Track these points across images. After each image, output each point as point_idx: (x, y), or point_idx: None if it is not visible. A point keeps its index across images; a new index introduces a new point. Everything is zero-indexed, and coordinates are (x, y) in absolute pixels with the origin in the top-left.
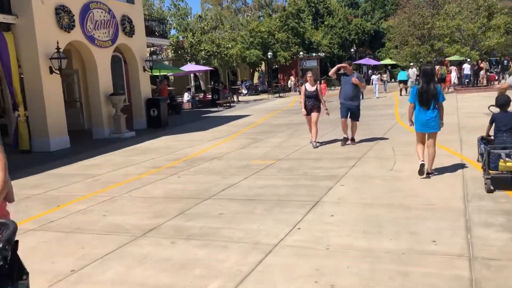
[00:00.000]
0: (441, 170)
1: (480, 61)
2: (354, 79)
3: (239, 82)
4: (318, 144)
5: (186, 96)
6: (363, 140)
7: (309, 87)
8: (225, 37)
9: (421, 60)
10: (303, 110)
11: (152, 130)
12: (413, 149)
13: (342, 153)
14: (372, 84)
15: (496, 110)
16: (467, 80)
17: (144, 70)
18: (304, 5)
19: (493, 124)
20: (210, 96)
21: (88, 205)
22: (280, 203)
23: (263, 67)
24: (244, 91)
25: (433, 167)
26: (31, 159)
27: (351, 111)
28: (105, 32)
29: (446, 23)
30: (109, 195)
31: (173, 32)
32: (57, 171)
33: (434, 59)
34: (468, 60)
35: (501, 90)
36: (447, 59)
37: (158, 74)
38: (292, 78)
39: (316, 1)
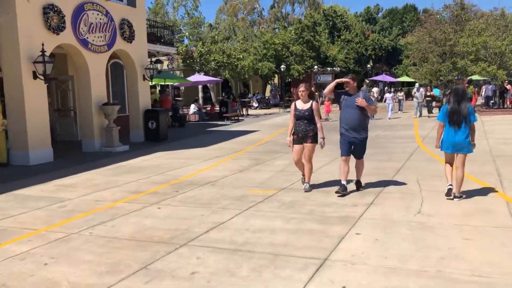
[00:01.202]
0: (482, 217)
1: (506, 81)
2: (360, 100)
3: (250, 95)
4: (310, 187)
5: (193, 108)
6: (379, 169)
7: (300, 104)
8: (236, 47)
9: (441, 78)
10: (288, 138)
11: (148, 144)
12: (442, 184)
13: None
14: (385, 102)
15: None
16: (492, 102)
17: (144, 78)
18: (321, 19)
19: None
20: (218, 108)
21: (33, 246)
22: (274, 259)
23: (276, 80)
24: (255, 104)
25: (470, 214)
26: (3, 173)
27: (355, 146)
28: (101, 36)
29: (471, 40)
30: (66, 230)
31: (186, 41)
32: (24, 192)
33: (456, 77)
34: (490, 80)
35: None
36: (467, 78)
37: (163, 83)
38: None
39: (333, 15)
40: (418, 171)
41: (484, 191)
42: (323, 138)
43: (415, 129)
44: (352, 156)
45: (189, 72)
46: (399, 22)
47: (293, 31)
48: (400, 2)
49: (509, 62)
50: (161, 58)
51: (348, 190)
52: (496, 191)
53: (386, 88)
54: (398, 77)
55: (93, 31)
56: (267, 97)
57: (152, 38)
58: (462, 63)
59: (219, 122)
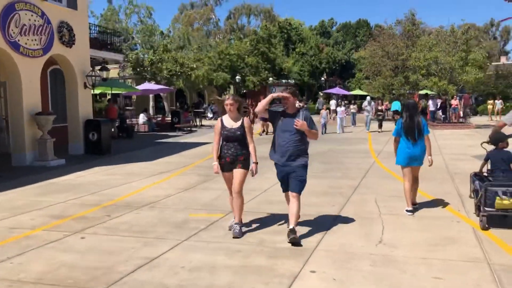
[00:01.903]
0: (449, 248)
1: (455, 96)
2: (301, 123)
3: (205, 105)
4: (243, 229)
5: (142, 118)
6: (335, 187)
7: (228, 121)
8: (190, 57)
9: (394, 92)
10: (215, 163)
11: (89, 157)
12: (401, 206)
13: (311, 205)
14: (336, 116)
15: (489, 147)
16: (443, 116)
17: (86, 86)
18: (276, 31)
19: (487, 161)
20: (169, 118)
21: None
22: None
23: (231, 91)
24: (210, 115)
25: (436, 244)
26: None
27: (291, 177)
28: (35, 40)
29: (423, 55)
30: None
31: (139, 49)
32: None
33: (408, 91)
34: (432, 95)
35: (496, 129)
36: (418, 92)
37: (109, 92)
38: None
39: (288, 28)
40: (376, 190)
41: (448, 216)
42: (256, 163)
43: (369, 143)
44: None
45: (141, 81)
46: (352, 37)
47: (248, 43)
48: (354, 17)
49: (459, 78)
50: (112, 66)
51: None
52: (459, 215)
53: (338, 101)
54: (351, 90)
55: (26, 34)
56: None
57: (97, 44)
58: (414, 78)
59: (170, 133)
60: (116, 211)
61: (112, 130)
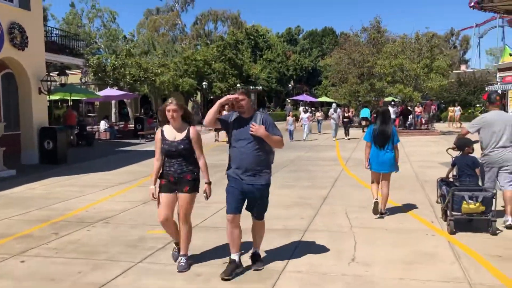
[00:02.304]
0: (427, 266)
1: (418, 104)
2: (256, 128)
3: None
4: (188, 263)
5: (103, 125)
6: (304, 197)
7: (170, 132)
8: (154, 62)
9: (360, 99)
10: (152, 187)
11: (43, 167)
12: (372, 217)
13: (279, 218)
14: (300, 123)
15: (455, 153)
16: (408, 123)
17: (40, 92)
18: (243, 37)
19: (454, 167)
20: (133, 125)
21: None
22: None
23: (198, 97)
24: None
25: (412, 261)
26: None
27: (252, 199)
28: None
29: (388, 62)
30: None
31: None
32: None
33: (374, 98)
34: (393, 103)
35: (460, 135)
36: (383, 99)
37: (69, 98)
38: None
39: (255, 34)
40: (346, 200)
41: (422, 228)
42: (209, 183)
43: (337, 151)
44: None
45: (104, 87)
46: (318, 44)
47: (215, 49)
48: (320, 25)
49: (424, 85)
50: (75, 71)
51: (245, 265)
52: (434, 228)
53: (303, 108)
54: (318, 97)
55: None
56: None
57: (54, 47)
58: (380, 85)
59: (133, 141)
60: (66, 228)
61: (71, 137)
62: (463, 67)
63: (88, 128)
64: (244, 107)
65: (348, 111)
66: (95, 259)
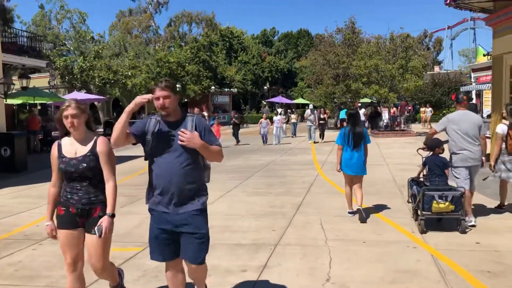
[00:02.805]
0: (411, 286)
1: (392, 105)
2: (188, 136)
3: (144, 115)
4: None
5: None
6: (276, 206)
7: (69, 147)
8: (124, 64)
9: (335, 100)
10: (49, 223)
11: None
12: (349, 228)
13: (247, 231)
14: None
15: (425, 153)
16: (384, 124)
17: None
18: (218, 39)
19: (425, 167)
20: (102, 130)
21: None
22: None
23: None
24: None
25: (395, 280)
26: None
27: (184, 236)
28: None
29: (363, 63)
30: None
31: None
32: None
33: (349, 100)
34: (359, 105)
35: (429, 135)
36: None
37: (33, 101)
38: (205, 113)
39: (230, 36)
40: (321, 208)
41: (402, 240)
42: (113, 216)
43: (312, 153)
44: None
45: (73, 90)
46: (294, 46)
47: (188, 50)
48: (295, 27)
49: (399, 86)
50: (43, 74)
51: None
52: (415, 238)
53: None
54: (294, 99)
55: None
56: None
57: (13, 48)
58: (355, 86)
59: None
60: (8, 248)
61: (35, 143)
62: (436, 68)
63: (54, 133)
64: (169, 108)
65: (325, 113)
66: (34, 285)
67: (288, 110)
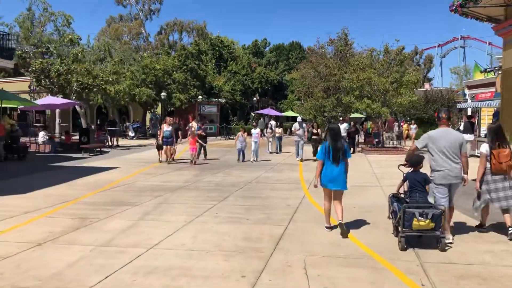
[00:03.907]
0: None
1: (379, 120)
2: None
3: (128, 123)
4: None
5: (41, 137)
6: (251, 239)
7: None
8: (105, 69)
9: (325, 114)
10: None
11: None
12: (342, 276)
13: (210, 276)
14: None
15: (405, 169)
16: (376, 140)
17: None
18: (207, 47)
19: (404, 182)
20: (78, 138)
21: None
22: None
23: (159, 109)
24: (131, 134)
25: None
26: None
27: None
28: None
29: (356, 75)
30: None
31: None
32: None
33: (340, 113)
34: (341, 119)
35: (410, 151)
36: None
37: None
38: (194, 123)
39: (220, 45)
40: (306, 243)
41: None
42: None
43: (299, 171)
44: None
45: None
46: (285, 58)
47: (176, 58)
48: (286, 39)
49: (393, 100)
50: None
51: None
52: None
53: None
54: (284, 111)
55: None
56: (147, 127)
57: None
58: (347, 100)
59: (75, 155)
60: None
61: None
62: (426, 85)
63: (27, 139)
64: None
65: (318, 128)
66: None
67: (271, 123)
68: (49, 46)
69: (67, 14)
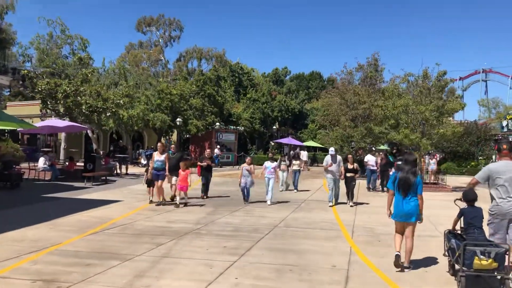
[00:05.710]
0: None
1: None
2: None
3: (141, 150)
4: None
5: (42, 162)
6: None
7: None
8: (116, 92)
9: (353, 144)
10: None
11: None
12: None
13: None
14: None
15: (462, 204)
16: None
17: None
18: (227, 74)
19: (461, 219)
20: (83, 164)
21: None
22: None
23: (174, 135)
24: (144, 161)
25: None
26: None
27: None
28: None
29: (392, 102)
30: None
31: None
32: None
33: (369, 145)
34: (373, 149)
35: (469, 186)
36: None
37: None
38: (217, 150)
39: (240, 72)
40: None
41: None
42: None
43: (333, 211)
44: None
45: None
46: (305, 87)
47: (194, 83)
48: (307, 68)
49: (434, 130)
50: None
51: None
52: None
53: (291, 152)
54: (304, 141)
55: None
56: None
57: None
58: (379, 129)
59: (76, 184)
60: None
61: None
62: (449, 118)
63: (25, 165)
64: None
65: (353, 162)
66: None
67: (303, 152)
68: (63, 69)
69: (84, 37)
